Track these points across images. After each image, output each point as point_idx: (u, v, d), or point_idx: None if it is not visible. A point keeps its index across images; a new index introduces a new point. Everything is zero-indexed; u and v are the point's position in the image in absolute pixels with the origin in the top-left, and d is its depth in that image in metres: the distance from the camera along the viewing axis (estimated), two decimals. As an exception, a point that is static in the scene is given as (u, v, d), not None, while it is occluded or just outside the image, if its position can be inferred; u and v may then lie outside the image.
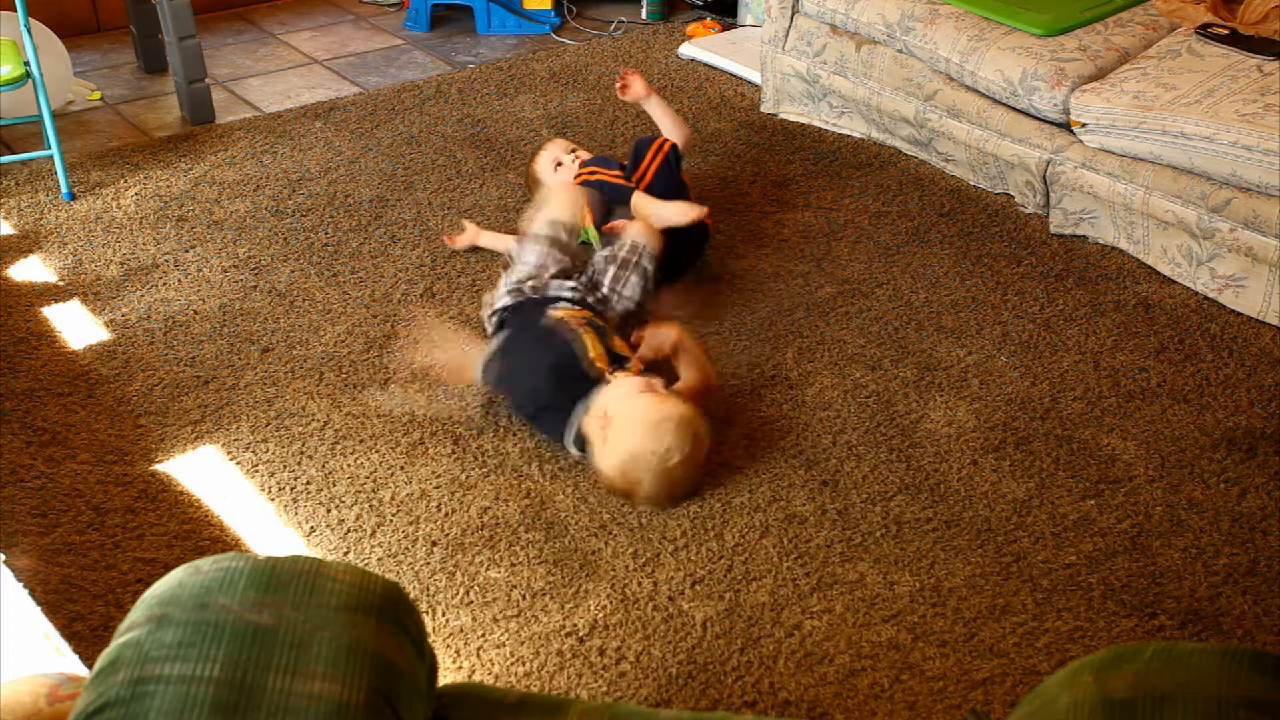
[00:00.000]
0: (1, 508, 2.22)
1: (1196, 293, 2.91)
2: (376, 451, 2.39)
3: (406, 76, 4.08)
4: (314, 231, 3.12)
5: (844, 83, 3.55)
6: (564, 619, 2.03)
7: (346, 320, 2.78)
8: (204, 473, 2.33)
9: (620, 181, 2.89)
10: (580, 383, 2.32)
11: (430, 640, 1.31)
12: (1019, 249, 3.10)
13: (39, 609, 1.73)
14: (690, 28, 4.42)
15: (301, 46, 4.33)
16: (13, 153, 3.47)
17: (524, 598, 2.06)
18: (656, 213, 2.75)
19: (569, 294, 2.54)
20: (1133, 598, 2.09)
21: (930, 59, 3.29)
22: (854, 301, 2.88)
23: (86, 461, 2.34)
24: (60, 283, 2.90)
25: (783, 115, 3.78)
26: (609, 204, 2.85)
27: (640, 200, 2.78)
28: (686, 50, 4.21)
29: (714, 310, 2.83)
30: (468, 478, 2.32)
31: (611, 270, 2.59)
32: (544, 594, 2.07)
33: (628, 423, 2.22)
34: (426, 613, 2.03)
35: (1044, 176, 3.13)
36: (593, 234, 2.80)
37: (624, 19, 4.58)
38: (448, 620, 2.02)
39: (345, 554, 2.15)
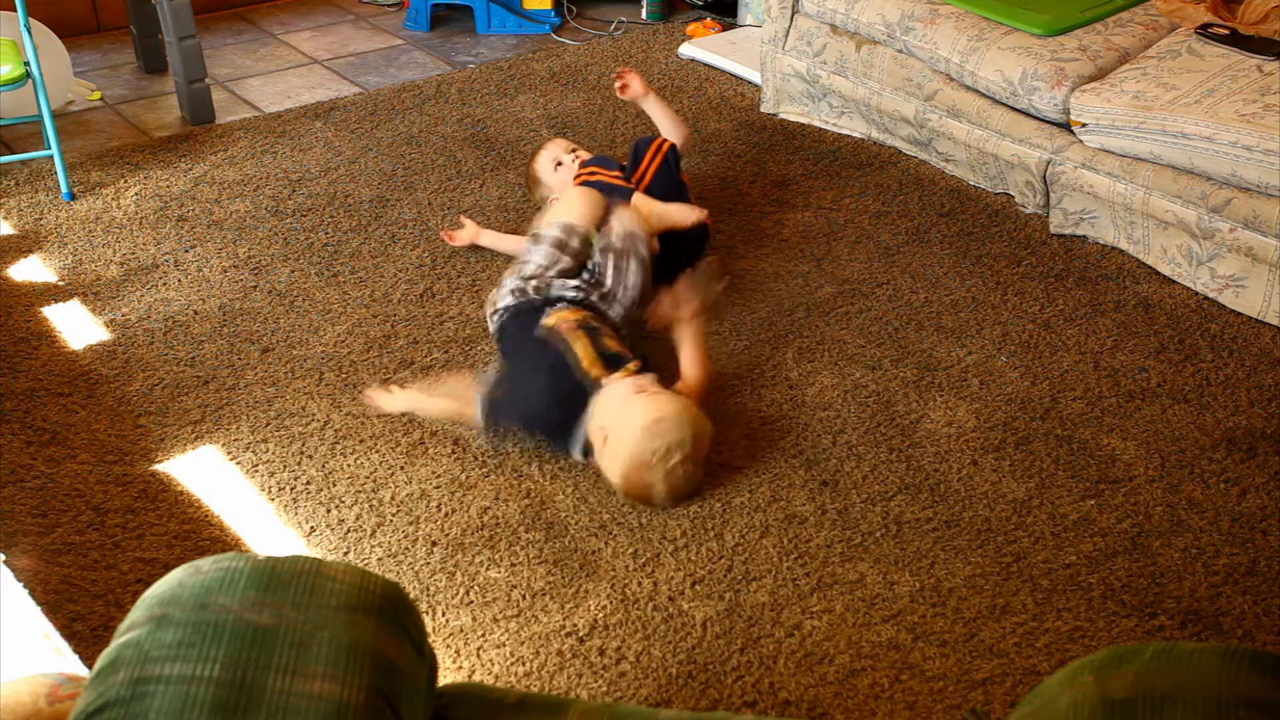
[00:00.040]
0: (1, 508, 2.22)
1: (1196, 293, 2.91)
2: (376, 451, 2.39)
3: (406, 76, 4.08)
4: (314, 231, 3.12)
5: (844, 83, 3.55)
6: (564, 619, 2.03)
7: (346, 320, 2.78)
8: (204, 473, 2.33)
9: (620, 183, 2.89)
10: (578, 395, 2.32)
11: (430, 640, 1.31)
12: (1019, 249, 3.10)
13: (39, 609, 1.73)
14: (690, 28, 4.43)
15: (301, 46, 4.33)
16: (13, 153, 3.47)
17: (524, 598, 2.06)
18: (658, 215, 2.75)
19: (570, 293, 2.53)
20: (1133, 598, 2.09)
21: (930, 59, 3.29)
22: (854, 301, 2.88)
23: (86, 461, 2.35)
24: (60, 283, 2.90)
25: (783, 115, 3.78)
26: (609, 205, 2.85)
27: (641, 202, 2.78)
28: (686, 50, 4.21)
29: (714, 310, 2.82)
30: (468, 478, 2.32)
31: (611, 261, 2.57)
32: (544, 594, 2.07)
33: (624, 429, 2.22)
34: (426, 613, 2.03)
35: (1044, 176, 3.13)
36: (594, 234, 2.80)
37: (624, 19, 4.58)
38: (448, 620, 2.02)
39: (345, 554, 2.15)
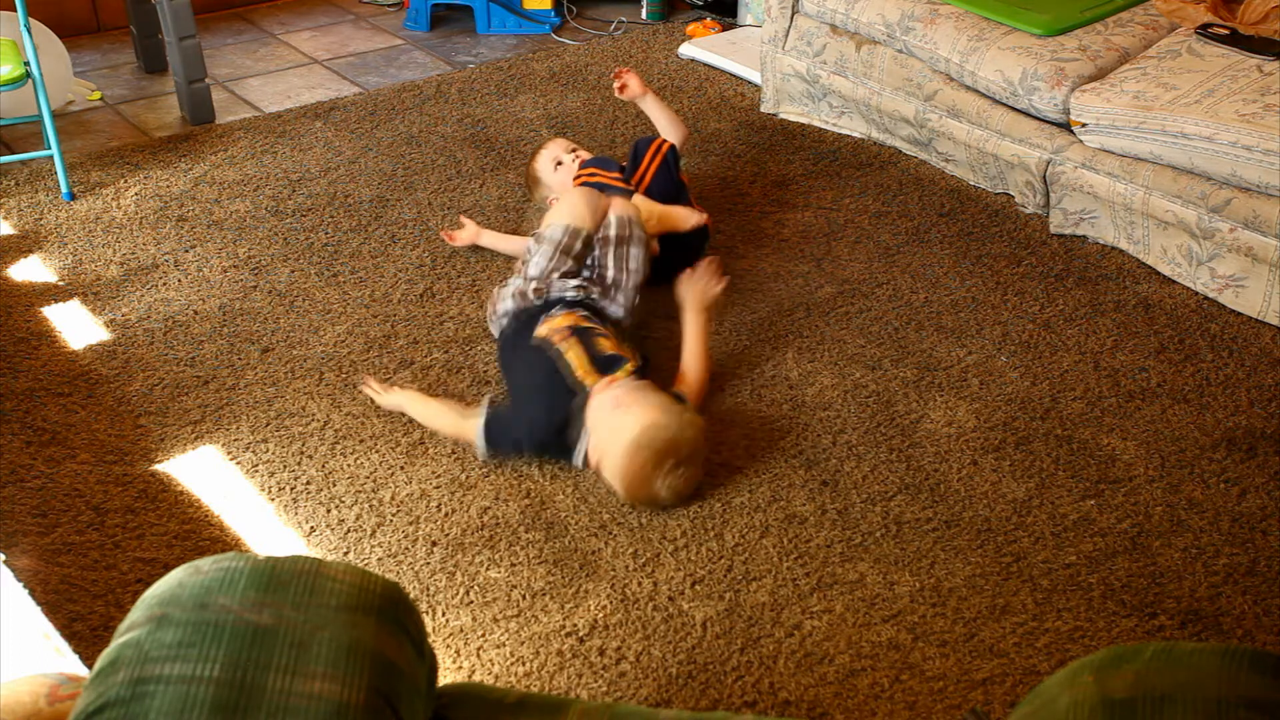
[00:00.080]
0: (1, 508, 2.22)
1: (1196, 293, 2.91)
2: (376, 451, 2.39)
3: (406, 76, 4.08)
4: (314, 231, 3.12)
5: (844, 83, 3.55)
6: (564, 619, 2.03)
7: (346, 320, 2.78)
8: (204, 473, 2.33)
9: (619, 184, 2.89)
10: (577, 411, 2.31)
11: (430, 640, 1.31)
12: (1019, 249, 3.10)
13: (39, 609, 1.73)
14: (690, 28, 4.43)
15: (301, 46, 4.33)
16: (13, 153, 3.47)
17: (524, 598, 2.06)
18: (658, 217, 2.75)
19: (570, 294, 2.53)
20: (1133, 598, 2.09)
21: (930, 59, 3.29)
22: (854, 301, 2.88)
23: (86, 461, 2.35)
24: (60, 283, 2.90)
25: (783, 115, 3.78)
26: (608, 204, 2.85)
27: (641, 204, 2.78)
28: (686, 50, 4.21)
29: (714, 310, 2.82)
30: (468, 478, 2.32)
31: (611, 250, 2.57)
32: (544, 594, 2.07)
33: (616, 447, 2.21)
34: (426, 613, 2.03)
35: (1044, 176, 3.13)
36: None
37: (624, 19, 4.58)
38: (448, 620, 2.02)
39: (345, 554, 2.15)
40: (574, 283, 2.55)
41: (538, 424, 2.31)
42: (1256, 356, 2.71)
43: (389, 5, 4.71)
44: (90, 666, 1.23)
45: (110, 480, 2.30)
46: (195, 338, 2.71)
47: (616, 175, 2.92)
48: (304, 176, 3.38)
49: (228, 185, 3.33)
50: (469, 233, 3.03)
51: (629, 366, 2.37)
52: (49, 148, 3.22)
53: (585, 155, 3.05)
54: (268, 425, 2.45)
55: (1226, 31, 3.09)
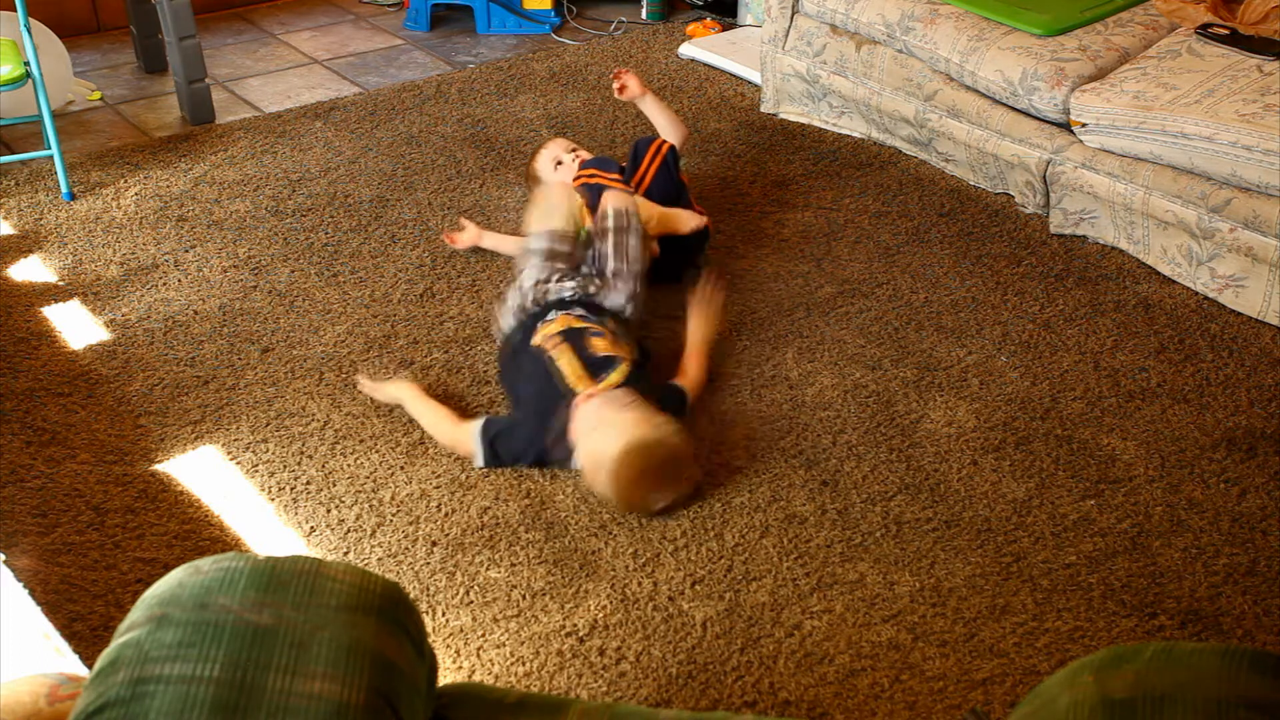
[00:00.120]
0: (1, 508, 2.22)
1: (1196, 293, 2.91)
2: (376, 451, 2.39)
3: (406, 76, 4.08)
4: (314, 231, 3.12)
5: (844, 83, 3.55)
6: (564, 619, 2.03)
7: (346, 320, 2.78)
8: (204, 473, 2.33)
9: (619, 185, 2.89)
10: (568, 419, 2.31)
11: (430, 640, 1.31)
12: (1019, 249, 3.10)
13: (39, 609, 1.73)
14: (690, 28, 4.43)
15: (301, 46, 4.33)
16: (13, 153, 3.47)
17: (524, 598, 2.06)
18: (659, 219, 2.74)
19: (568, 293, 2.53)
20: (1133, 598, 2.09)
21: (930, 59, 3.29)
22: (854, 301, 2.88)
23: (86, 461, 2.34)
24: (60, 283, 2.90)
25: (783, 115, 3.78)
26: (585, 197, 2.86)
27: (641, 206, 2.77)
28: (686, 50, 4.21)
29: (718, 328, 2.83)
30: (468, 478, 2.32)
31: (610, 240, 2.56)
32: (544, 594, 2.07)
33: (598, 468, 2.21)
34: (426, 613, 2.03)
35: (1044, 176, 3.13)
36: (582, 229, 2.80)
37: (624, 19, 4.58)
38: (448, 620, 2.02)
39: (345, 554, 2.15)
40: (570, 283, 2.54)
41: (536, 439, 2.31)
42: (1256, 356, 2.71)
43: (389, 5, 4.71)
44: (90, 666, 1.23)
45: (110, 480, 2.30)
46: (195, 338, 2.71)
47: (616, 176, 2.92)
48: (304, 176, 3.38)
49: (228, 185, 3.33)
50: (470, 235, 3.03)
51: (623, 367, 2.35)
52: (49, 148, 3.22)
53: (585, 155, 3.05)
54: (268, 425, 2.45)
55: (1226, 31, 3.09)
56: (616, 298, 2.54)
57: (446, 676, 1.91)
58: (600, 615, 2.03)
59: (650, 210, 2.75)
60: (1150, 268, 3.01)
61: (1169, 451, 2.42)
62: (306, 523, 2.21)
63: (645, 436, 2.19)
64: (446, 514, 2.24)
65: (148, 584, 1.41)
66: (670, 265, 2.80)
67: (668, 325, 2.71)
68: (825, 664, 1.95)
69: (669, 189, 2.87)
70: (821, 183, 3.41)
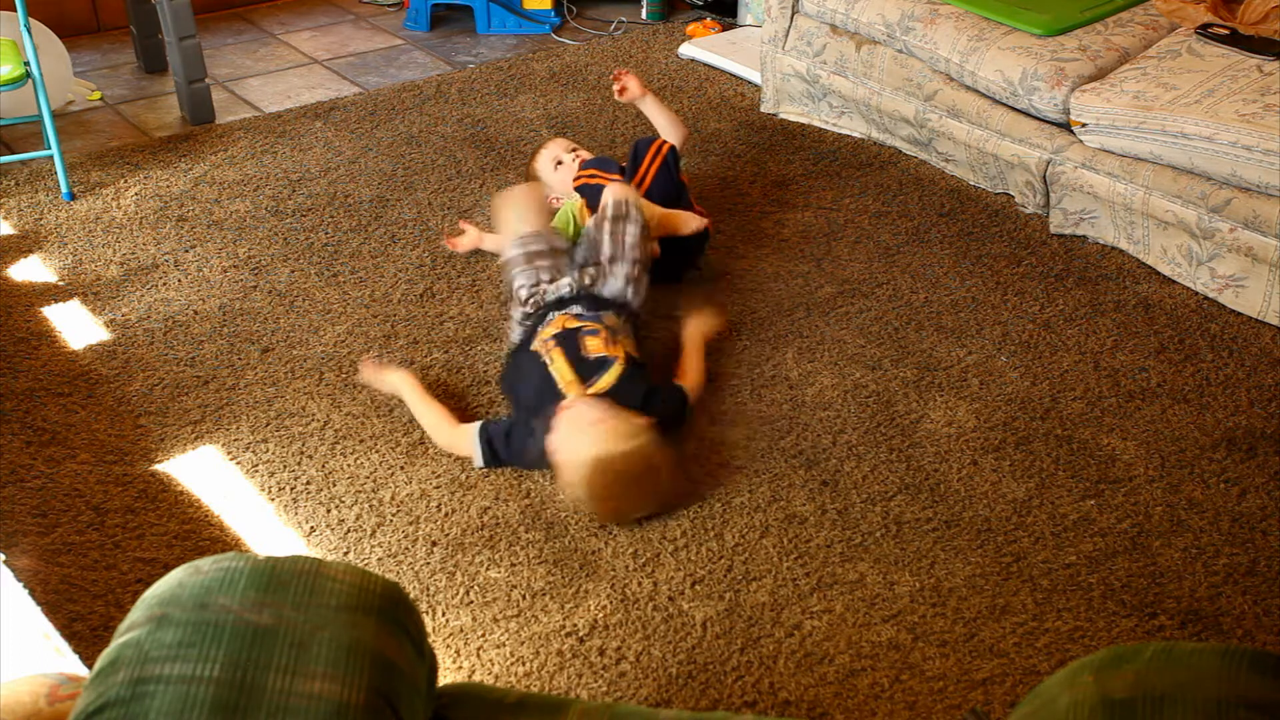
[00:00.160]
0: (1, 508, 2.22)
1: (1196, 293, 2.91)
2: (376, 451, 2.39)
3: (406, 76, 4.08)
4: (314, 231, 3.12)
5: (844, 83, 3.55)
6: (564, 619, 2.03)
7: (346, 320, 2.78)
8: (204, 473, 2.33)
9: (620, 183, 2.89)
10: None
11: (430, 640, 1.31)
12: (1019, 249, 3.10)
13: (39, 609, 1.73)
14: (690, 28, 4.43)
15: (301, 46, 4.33)
16: (13, 153, 3.47)
17: (524, 598, 2.06)
18: (659, 220, 2.74)
19: (566, 289, 2.53)
20: (1133, 598, 2.09)
21: (930, 59, 3.29)
22: (854, 301, 2.88)
23: (86, 461, 2.35)
24: (60, 283, 2.90)
25: (783, 115, 3.78)
26: (546, 194, 2.88)
27: (644, 207, 2.77)
28: (686, 50, 4.21)
29: (715, 310, 2.83)
30: (468, 478, 2.32)
31: (607, 229, 2.56)
32: (544, 594, 2.07)
33: (567, 478, 2.20)
34: (426, 613, 2.03)
35: (1044, 176, 3.13)
36: (570, 224, 2.81)
37: (624, 19, 4.58)
38: (448, 620, 2.02)
39: (345, 554, 2.15)
40: (565, 280, 2.54)
41: (533, 446, 2.30)
42: (1256, 356, 2.71)
43: (389, 5, 4.71)
44: (90, 666, 1.23)
45: (110, 480, 2.30)
46: (195, 338, 2.71)
47: (617, 176, 2.92)
48: (304, 176, 3.38)
49: (228, 185, 3.33)
50: (471, 237, 3.03)
51: (615, 369, 2.34)
52: (49, 148, 3.23)
53: (585, 155, 3.05)
54: (268, 425, 2.45)
55: (1226, 31, 3.09)
56: (615, 283, 2.53)
57: (446, 676, 1.91)
58: (600, 615, 2.03)
59: (651, 211, 2.75)
60: (1150, 268, 3.01)
61: (1169, 451, 2.42)
62: (306, 523, 2.21)
63: (614, 448, 2.16)
64: (446, 514, 2.24)
65: (148, 584, 1.41)
66: (670, 266, 2.80)
67: (666, 325, 2.71)
68: (825, 664, 1.95)
69: (669, 189, 2.87)
70: (821, 183, 3.41)
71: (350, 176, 3.39)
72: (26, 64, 3.13)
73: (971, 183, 3.38)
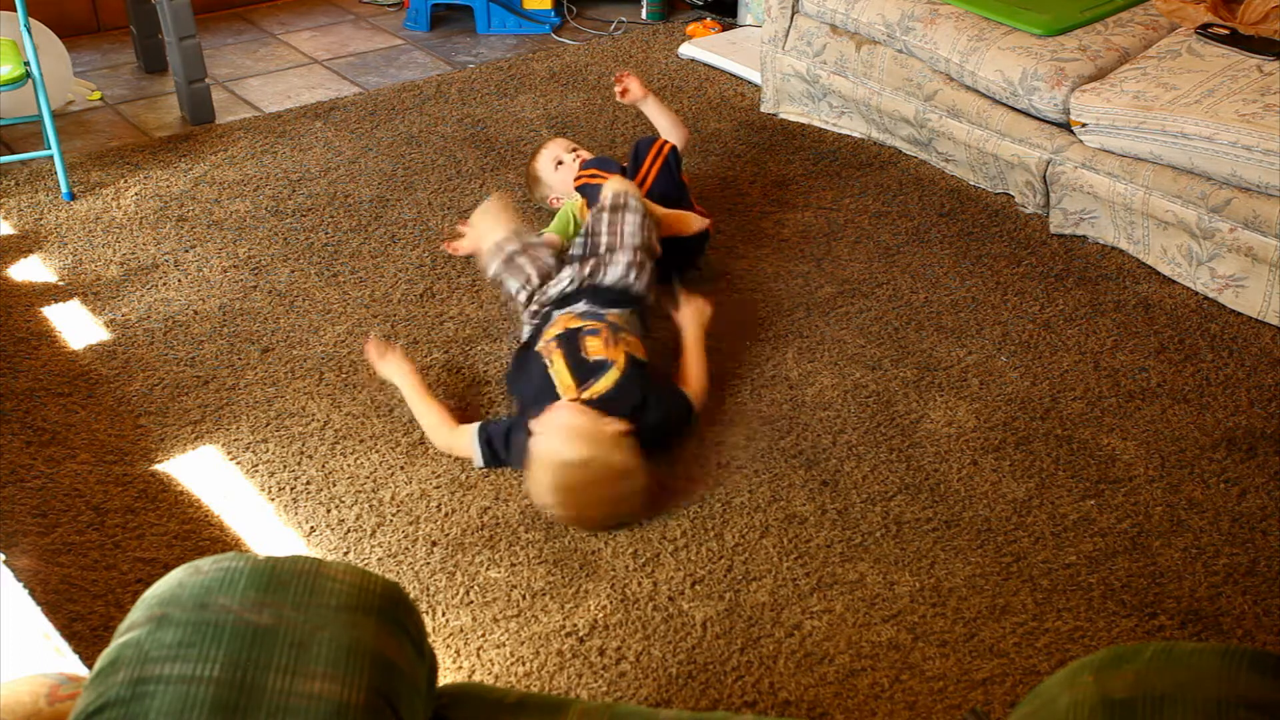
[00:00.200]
0: (1, 508, 2.22)
1: (1196, 293, 2.91)
2: (376, 451, 2.39)
3: (406, 76, 4.08)
4: (314, 231, 3.12)
5: (844, 83, 3.55)
6: (564, 619, 2.03)
7: (346, 320, 2.78)
8: (204, 473, 2.33)
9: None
10: None
11: (430, 640, 1.31)
12: (1019, 249, 3.10)
13: (39, 609, 1.73)
14: (690, 28, 4.43)
15: (301, 46, 4.33)
16: (13, 153, 3.47)
17: (524, 598, 2.06)
18: (661, 219, 2.74)
19: (567, 284, 2.53)
20: (1133, 598, 2.09)
21: (930, 59, 3.29)
22: (854, 301, 2.88)
23: (86, 461, 2.35)
24: (60, 283, 2.90)
25: (783, 115, 3.78)
26: (511, 204, 2.88)
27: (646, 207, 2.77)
28: (686, 50, 4.21)
29: (714, 310, 2.82)
30: (468, 478, 2.32)
31: (605, 219, 2.56)
32: (544, 594, 2.07)
33: (532, 479, 2.20)
34: (426, 613, 2.03)
35: (1044, 176, 3.13)
36: (572, 226, 2.81)
37: (624, 19, 4.58)
38: (448, 620, 2.02)
39: (345, 554, 2.15)
40: (566, 274, 2.54)
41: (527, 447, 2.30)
42: (1256, 356, 2.71)
43: (389, 5, 4.71)
44: (90, 666, 1.23)
45: (110, 480, 2.30)
46: (195, 338, 2.71)
47: (618, 176, 2.92)
48: (304, 176, 3.38)
49: (228, 185, 3.33)
50: (470, 240, 3.02)
51: (612, 373, 2.33)
52: (49, 148, 3.22)
53: (586, 155, 3.05)
54: (268, 425, 2.45)
55: (1226, 31, 3.09)
56: (615, 271, 2.51)
57: (446, 676, 1.91)
58: (600, 615, 2.03)
59: (654, 211, 2.75)
60: (1150, 268, 3.01)
61: (1169, 451, 2.42)
62: (306, 523, 2.21)
63: (576, 454, 2.14)
64: (446, 514, 2.24)
65: (148, 584, 1.41)
66: (671, 266, 2.79)
67: (666, 325, 2.70)
68: (825, 664, 1.95)
69: (671, 189, 2.87)
70: (821, 183, 3.41)
71: (350, 176, 3.39)
72: (26, 64, 3.13)
73: (971, 183, 3.38)
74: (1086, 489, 2.32)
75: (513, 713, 1.27)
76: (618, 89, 3.13)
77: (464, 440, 2.34)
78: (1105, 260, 3.05)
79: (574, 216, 2.83)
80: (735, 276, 2.96)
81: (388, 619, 1.13)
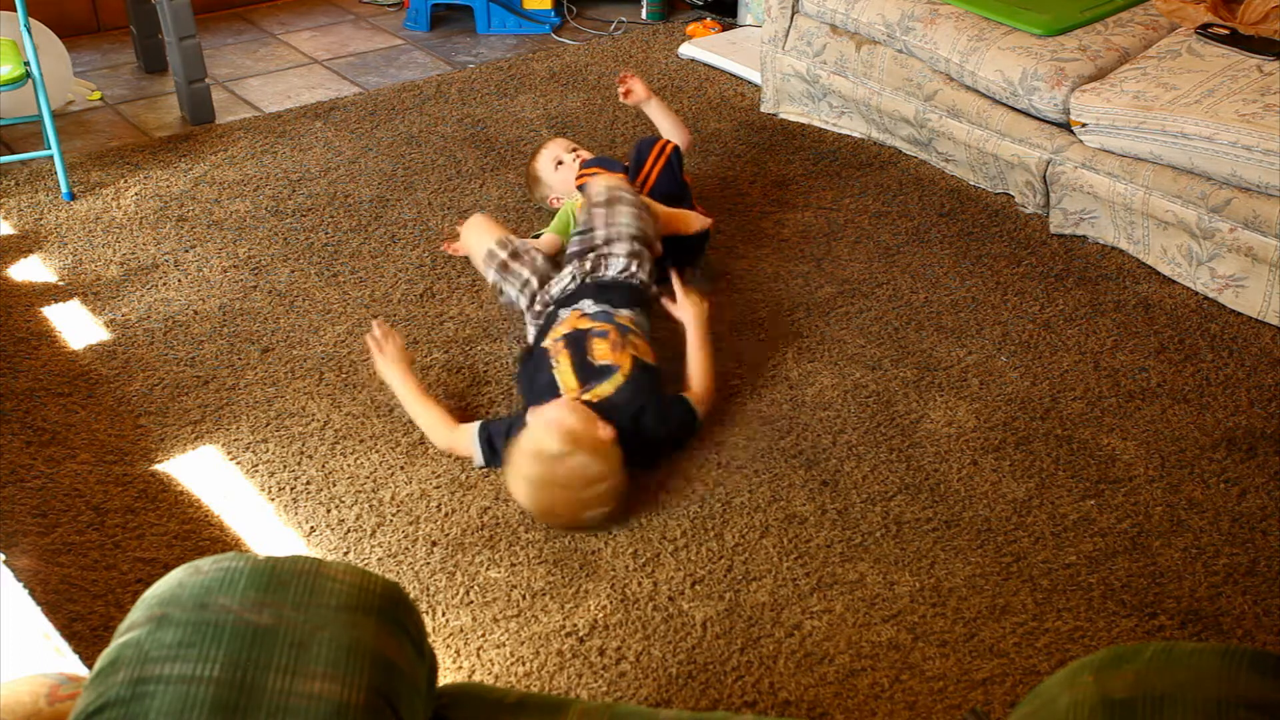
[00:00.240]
0: (1, 508, 2.22)
1: (1196, 293, 2.91)
2: (376, 451, 2.39)
3: (406, 76, 4.08)
4: (314, 231, 3.12)
5: (844, 83, 3.55)
6: (564, 619, 2.03)
7: (346, 320, 2.78)
8: (204, 473, 2.33)
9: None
10: None
11: (430, 640, 1.31)
12: (1019, 249, 3.10)
13: (39, 609, 1.73)
14: (690, 28, 4.43)
15: (301, 46, 4.33)
16: (13, 153, 3.47)
17: (524, 598, 2.06)
18: (663, 219, 2.74)
19: (569, 282, 2.53)
20: (1133, 598, 2.09)
21: (930, 59, 3.29)
22: (854, 301, 2.88)
23: (86, 461, 2.35)
24: (60, 283, 2.90)
25: (783, 115, 3.78)
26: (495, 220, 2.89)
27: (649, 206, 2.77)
28: (686, 50, 4.21)
29: (714, 310, 2.82)
30: (468, 478, 2.32)
31: (601, 213, 2.55)
32: (544, 594, 2.07)
33: (507, 471, 2.20)
34: (426, 613, 2.03)
35: (1044, 176, 3.13)
36: (571, 223, 2.81)
37: (624, 19, 4.58)
38: (448, 620, 2.02)
39: (345, 554, 2.15)
40: (567, 271, 2.54)
41: None
42: (1256, 356, 2.71)
43: (389, 5, 4.71)
44: (90, 666, 1.23)
45: (110, 480, 2.30)
46: (195, 338, 2.71)
47: (619, 176, 2.92)
48: (304, 176, 3.38)
49: (228, 185, 3.33)
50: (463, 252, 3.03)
51: (616, 378, 2.32)
52: (49, 148, 3.22)
53: (586, 155, 3.05)
54: (268, 425, 2.45)
55: (1226, 31, 3.09)
56: (616, 263, 2.52)
57: (446, 676, 1.91)
58: (600, 615, 2.03)
59: (657, 210, 2.75)
60: (1150, 268, 3.01)
61: (1169, 451, 2.42)
62: (306, 523, 2.21)
63: (555, 448, 2.13)
64: (446, 514, 2.24)
65: (148, 584, 1.41)
66: (671, 266, 2.79)
67: (666, 325, 2.70)
68: (825, 664, 1.95)
69: (673, 189, 2.87)
70: (821, 183, 3.41)
71: (350, 176, 3.39)
72: (26, 64, 3.13)
73: (971, 183, 3.38)
74: (1086, 489, 2.32)
75: (513, 713, 1.27)
76: (621, 90, 3.13)
77: (464, 439, 2.34)
78: (1105, 260, 3.05)
79: (574, 216, 2.83)
80: (735, 276, 2.96)
81: (388, 619, 1.13)
